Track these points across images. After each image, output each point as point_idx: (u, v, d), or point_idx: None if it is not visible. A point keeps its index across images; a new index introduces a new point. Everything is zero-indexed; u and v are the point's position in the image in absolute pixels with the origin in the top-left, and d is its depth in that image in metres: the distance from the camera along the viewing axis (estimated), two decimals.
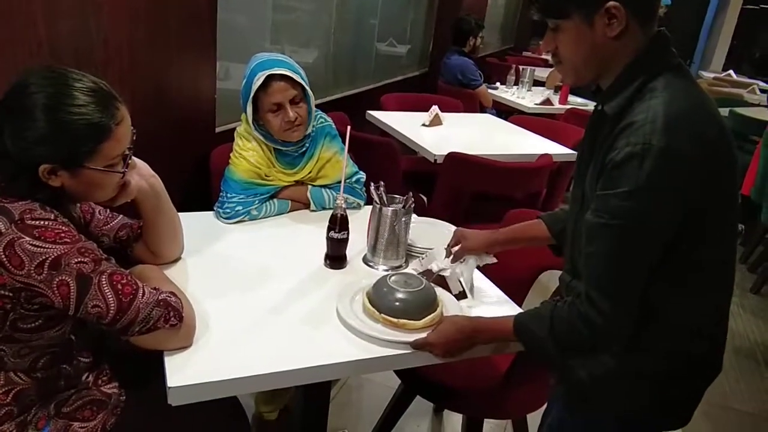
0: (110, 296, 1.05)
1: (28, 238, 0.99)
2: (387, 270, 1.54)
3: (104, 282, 1.05)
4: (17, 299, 1.02)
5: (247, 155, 1.77)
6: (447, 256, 1.48)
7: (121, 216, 1.40)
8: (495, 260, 1.47)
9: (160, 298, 1.11)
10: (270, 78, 1.68)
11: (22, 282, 0.99)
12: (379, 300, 1.28)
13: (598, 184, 1.05)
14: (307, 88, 1.75)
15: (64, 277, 1.01)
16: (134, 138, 1.15)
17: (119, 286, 1.06)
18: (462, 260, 1.45)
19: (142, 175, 1.29)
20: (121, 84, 1.68)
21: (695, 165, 0.97)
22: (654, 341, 1.09)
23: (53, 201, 1.08)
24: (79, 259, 1.03)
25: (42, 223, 1.02)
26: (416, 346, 1.22)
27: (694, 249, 1.04)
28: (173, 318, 1.11)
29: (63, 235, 1.02)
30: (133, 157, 1.21)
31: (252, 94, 1.69)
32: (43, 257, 0.99)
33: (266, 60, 1.71)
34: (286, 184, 1.85)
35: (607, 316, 1.04)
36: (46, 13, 1.40)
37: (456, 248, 1.48)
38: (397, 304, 1.26)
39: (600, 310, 1.04)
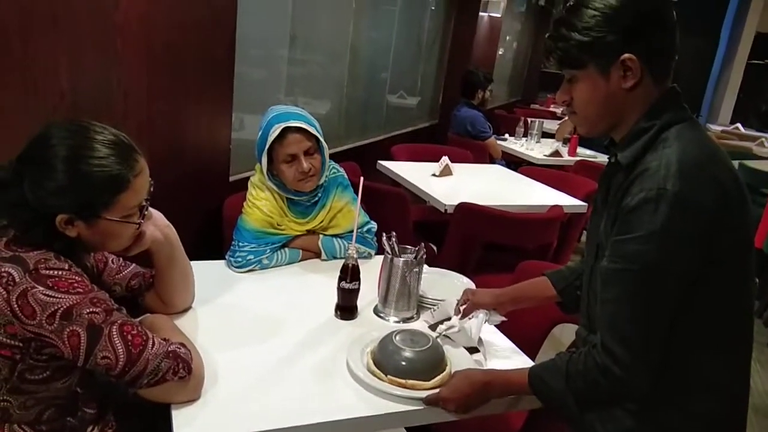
0: (120, 347, 1.04)
1: (41, 288, 0.99)
2: (398, 321, 1.52)
3: (115, 332, 1.04)
4: (27, 349, 1.01)
5: (260, 204, 1.79)
6: (456, 314, 1.46)
7: (134, 265, 1.40)
8: (504, 318, 1.45)
9: (169, 349, 1.10)
10: (286, 130, 1.71)
11: (33, 332, 0.99)
12: (384, 360, 1.25)
13: (612, 232, 1.05)
14: (322, 140, 1.78)
15: (75, 328, 1.00)
16: (152, 189, 1.16)
17: (129, 337, 1.05)
18: (471, 316, 1.43)
19: (157, 225, 1.30)
20: (139, 135, 1.72)
21: (710, 210, 0.97)
22: (673, 399, 1.06)
23: (68, 250, 1.09)
24: (91, 310, 1.02)
25: (56, 272, 1.02)
26: (429, 402, 1.19)
27: (711, 302, 1.03)
28: (182, 370, 1.09)
29: (76, 285, 1.02)
30: (152, 209, 1.22)
31: (268, 146, 1.71)
32: (55, 307, 0.99)
33: (282, 113, 1.75)
34: (298, 233, 1.86)
35: (625, 365, 1.01)
36: (70, 66, 1.45)
37: (464, 306, 1.46)
38: (404, 364, 1.23)
39: (617, 359, 1.02)
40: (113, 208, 1.08)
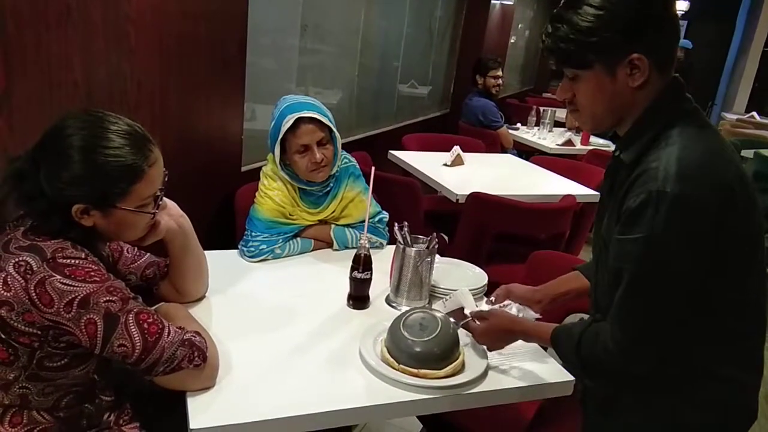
0: (136, 335, 1.05)
1: (58, 277, 1.00)
2: None
3: (131, 321, 1.05)
4: (45, 337, 1.02)
5: (273, 194, 1.79)
6: (487, 302, 1.45)
7: (148, 254, 1.41)
8: (539, 316, 1.43)
9: (185, 337, 1.11)
10: (299, 120, 1.71)
11: (51, 320, 1.00)
12: (395, 349, 1.25)
13: (615, 229, 1.05)
14: (335, 130, 1.78)
15: (92, 316, 1.02)
16: (166, 179, 1.17)
17: (145, 326, 1.07)
18: (503, 304, 1.43)
19: (172, 215, 1.31)
20: (152, 126, 1.73)
21: (711, 210, 0.97)
22: (689, 389, 1.07)
23: (84, 240, 1.10)
24: (108, 298, 1.04)
25: (73, 261, 1.03)
26: (465, 327, 1.29)
27: (721, 294, 1.03)
28: (197, 358, 1.10)
29: (93, 273, 1.04)
30: (166, 199, 1.23)
31: (281, 136, 1.72)
32: (73, 295, 1.00)
33: (295, 103, 1.75)
34: (310, 223, 1.86)
35: (622, 349, 1.04)
36: (83, 57, 1.46)
37: (497, 294, 1.46)
38: (415, 351, 1.22)
39: (617, 342, 1.04)
40: (128, 197, 1.09)
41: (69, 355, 1.07)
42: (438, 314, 1.31)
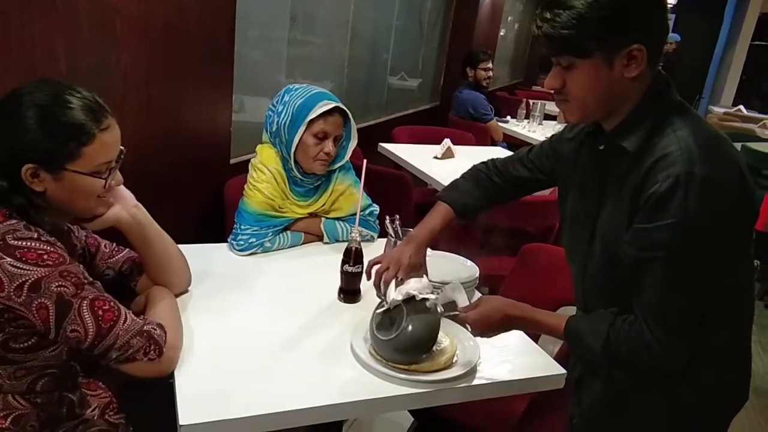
0: (89, 321, 1.03)
1: (9, 259, 0.98)
2: None
3: (85, 307, 1.03)
4: (3, 320, 1.00)
5: (261, 187, 1.78)
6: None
7: (127, 249, 1.38)
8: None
9: (144, 328, 1.09)
10: (333, 109, 1.75)
11: (3, 304, 0.98)
12: (379, 350, 1.23)
13: (635, 219, 1.04)
14: (353, 129, 1.84)
15: (43, 300, 1.00)
16: (122, 156, 1.14)
17: (100, 312, 1.04)
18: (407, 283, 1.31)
19: (124, 205, 1.26)
20: (139, 117, 1.70)
21: (734, 189, 0.98)
22: (701, 374, 1.09)
23: (35, 212, 1.06)
24: (60, 283, 1.01)
25: (25, 243, 1.00)
26: (458, 320, 1.22)
27: (734, 274, 1.05)
28: (153, 352, 1.08)
29: (45, 256, 1.01)
30: (122, 187, 1.22)
31: (312, 117, 1.71)
32: (23, 279, 0.98)
33: (324, 92, 1.79)
34: (300, 216, 1.85)
35: (665, 348, 1.03)
36: (68, 48, 1.43)
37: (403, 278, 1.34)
38: (395, 347, 1.19)
39: (660, 342, 1.03)
40: (78, 160, 1.06)
41: (36, 335, 1.05)
42: (400, 301, 1.24)
